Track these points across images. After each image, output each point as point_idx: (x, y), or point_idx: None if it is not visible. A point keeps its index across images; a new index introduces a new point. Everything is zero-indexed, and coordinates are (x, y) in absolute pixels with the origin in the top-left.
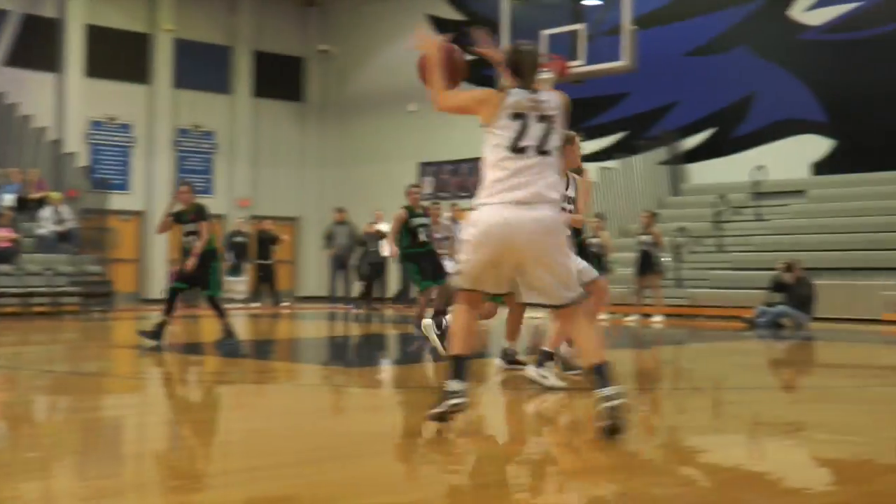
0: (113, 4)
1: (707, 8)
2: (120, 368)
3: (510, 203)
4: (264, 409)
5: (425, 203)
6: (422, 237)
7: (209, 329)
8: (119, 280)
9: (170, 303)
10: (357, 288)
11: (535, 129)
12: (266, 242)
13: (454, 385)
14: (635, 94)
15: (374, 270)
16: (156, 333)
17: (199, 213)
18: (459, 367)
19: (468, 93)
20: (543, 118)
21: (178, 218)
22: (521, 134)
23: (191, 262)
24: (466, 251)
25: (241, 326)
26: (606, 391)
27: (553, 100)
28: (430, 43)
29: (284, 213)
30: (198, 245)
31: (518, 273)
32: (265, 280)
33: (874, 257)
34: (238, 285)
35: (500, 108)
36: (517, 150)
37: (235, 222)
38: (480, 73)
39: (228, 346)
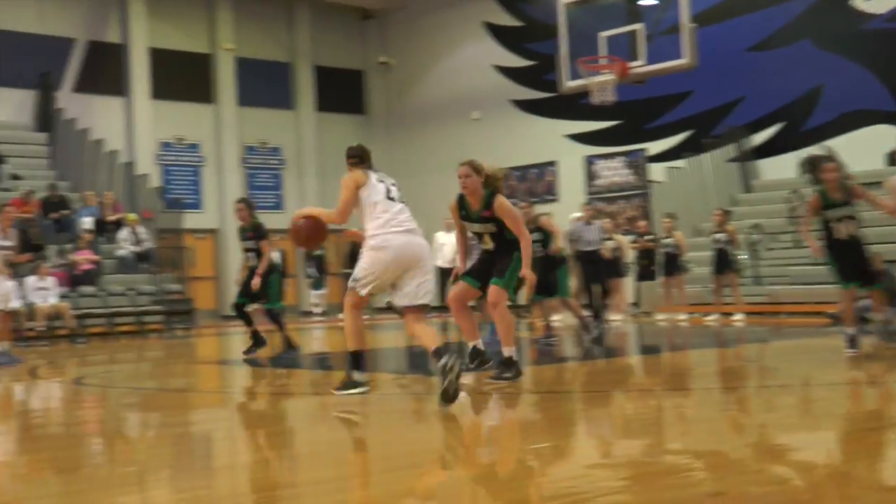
0: (174, 27)
1: (766, 2)
2: (204, 384)
3: (404, 231)
4: (345, 420)
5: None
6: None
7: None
8: (198, 297)
9: (242, 318)
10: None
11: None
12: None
13: (358, 376)
14: (699, 91)
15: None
16: (253, 347)
17: (257, 231)
18: (361, 360)
19: (343, 193)
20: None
21: (240, 235)
22: (388, 190)
23: (255, 282)
24: (375, 266)
25: (324, 339)
26: (443, 361)
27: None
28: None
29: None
30: (261, 264)
31: (399, 280)
32: None
33: None
34: (319, 298)
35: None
36: (390, 198)
37: None
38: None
39: (287, 359)
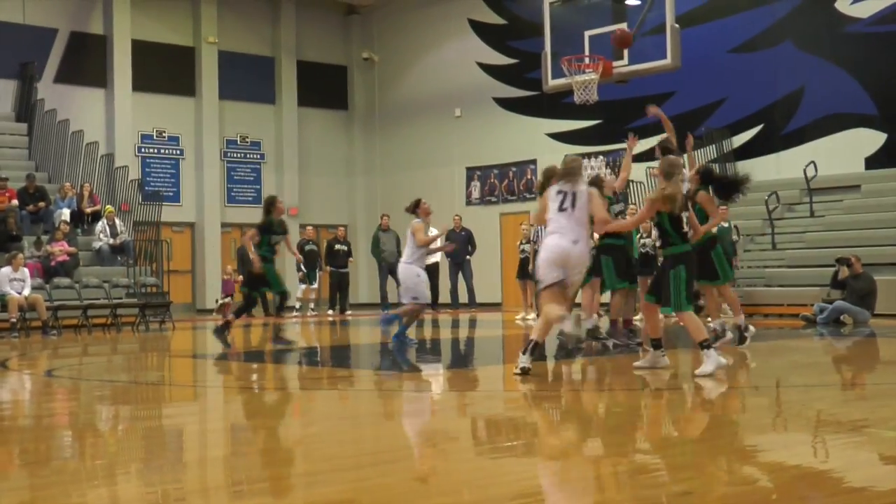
0: (157, 19)
1: (750, 4)
2: (179, 377)
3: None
4: (321, 414)
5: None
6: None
7: (263, 336)
8: (174, 291)
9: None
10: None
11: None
12: (339, 250)
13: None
14: (681, 92)
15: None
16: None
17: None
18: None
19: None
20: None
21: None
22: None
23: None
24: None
25: (309, 333)
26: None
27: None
28: None
29: (333, 221)
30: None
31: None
32: (339, 288)
33: None
34: (309, 293)
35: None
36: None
37: (306, 231)
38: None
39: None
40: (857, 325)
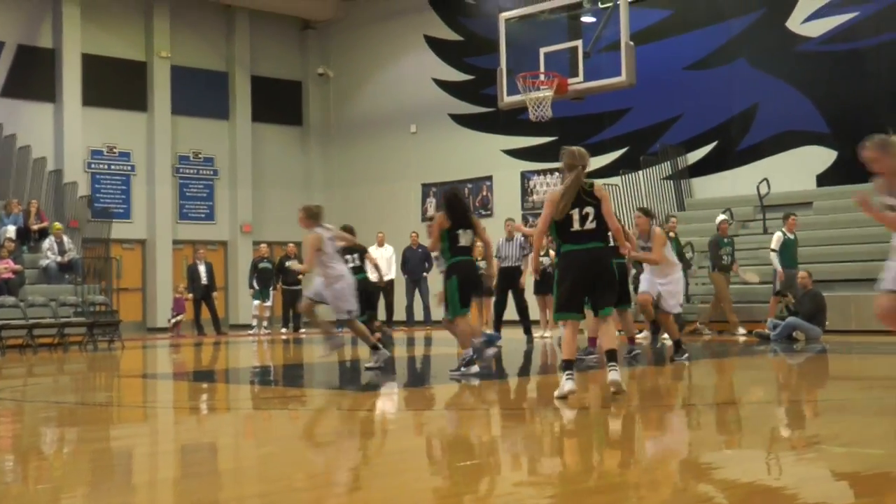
0: (109, 33)
1: (704, 22)
2: (128, 398)
3: None
4: (273, 435)
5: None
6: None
7: (214, 356)
8: (124, 309)
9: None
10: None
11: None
12: (290, 268)
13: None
14: (637, 109)
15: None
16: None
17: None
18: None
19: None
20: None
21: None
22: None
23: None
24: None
25: (263, 352)
26: None
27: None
28: None
29: (288, 238)
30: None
31: None
32: (292, 305)
33: (883, 268)
34: (263, 311)
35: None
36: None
37: (259, 249)
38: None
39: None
40: (808, 341)
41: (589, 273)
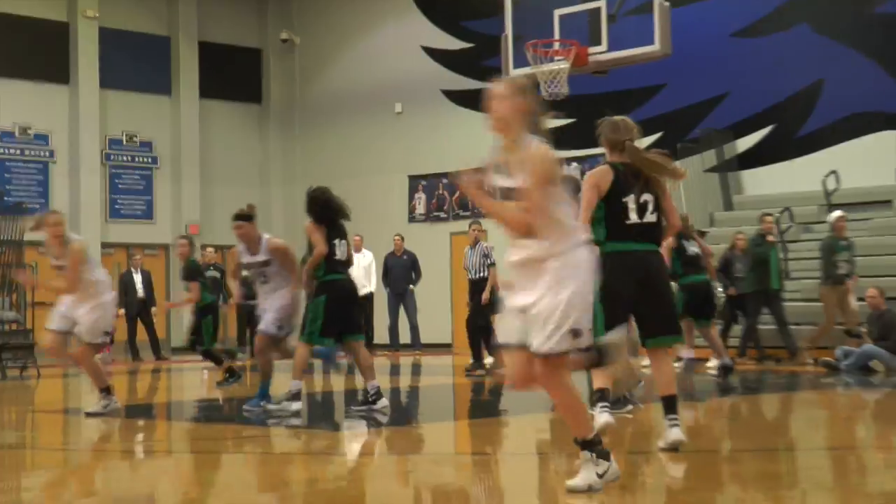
0: None
1: None
2: (44, 439)
3: None
4: (208, 479)
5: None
6: None
7: (152, 387)
8: (41, 328)
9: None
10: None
11: None
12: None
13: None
14: (673, 85)
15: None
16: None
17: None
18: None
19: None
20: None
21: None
22: None
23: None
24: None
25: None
26: None
27: None
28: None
29: None
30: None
31: None
32: (250, 323)
33: None
34: None
35: None
36: None
37: (206, 253)
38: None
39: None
40: (890, 372)
41: (641, 287)
